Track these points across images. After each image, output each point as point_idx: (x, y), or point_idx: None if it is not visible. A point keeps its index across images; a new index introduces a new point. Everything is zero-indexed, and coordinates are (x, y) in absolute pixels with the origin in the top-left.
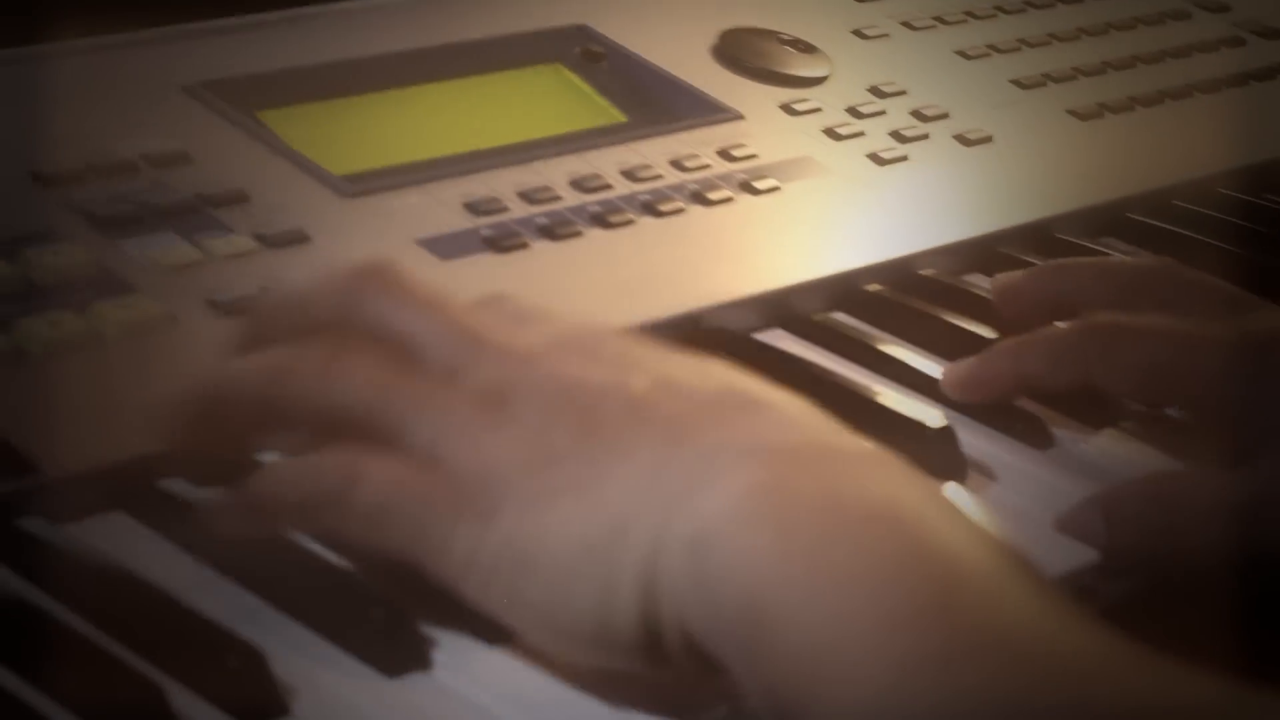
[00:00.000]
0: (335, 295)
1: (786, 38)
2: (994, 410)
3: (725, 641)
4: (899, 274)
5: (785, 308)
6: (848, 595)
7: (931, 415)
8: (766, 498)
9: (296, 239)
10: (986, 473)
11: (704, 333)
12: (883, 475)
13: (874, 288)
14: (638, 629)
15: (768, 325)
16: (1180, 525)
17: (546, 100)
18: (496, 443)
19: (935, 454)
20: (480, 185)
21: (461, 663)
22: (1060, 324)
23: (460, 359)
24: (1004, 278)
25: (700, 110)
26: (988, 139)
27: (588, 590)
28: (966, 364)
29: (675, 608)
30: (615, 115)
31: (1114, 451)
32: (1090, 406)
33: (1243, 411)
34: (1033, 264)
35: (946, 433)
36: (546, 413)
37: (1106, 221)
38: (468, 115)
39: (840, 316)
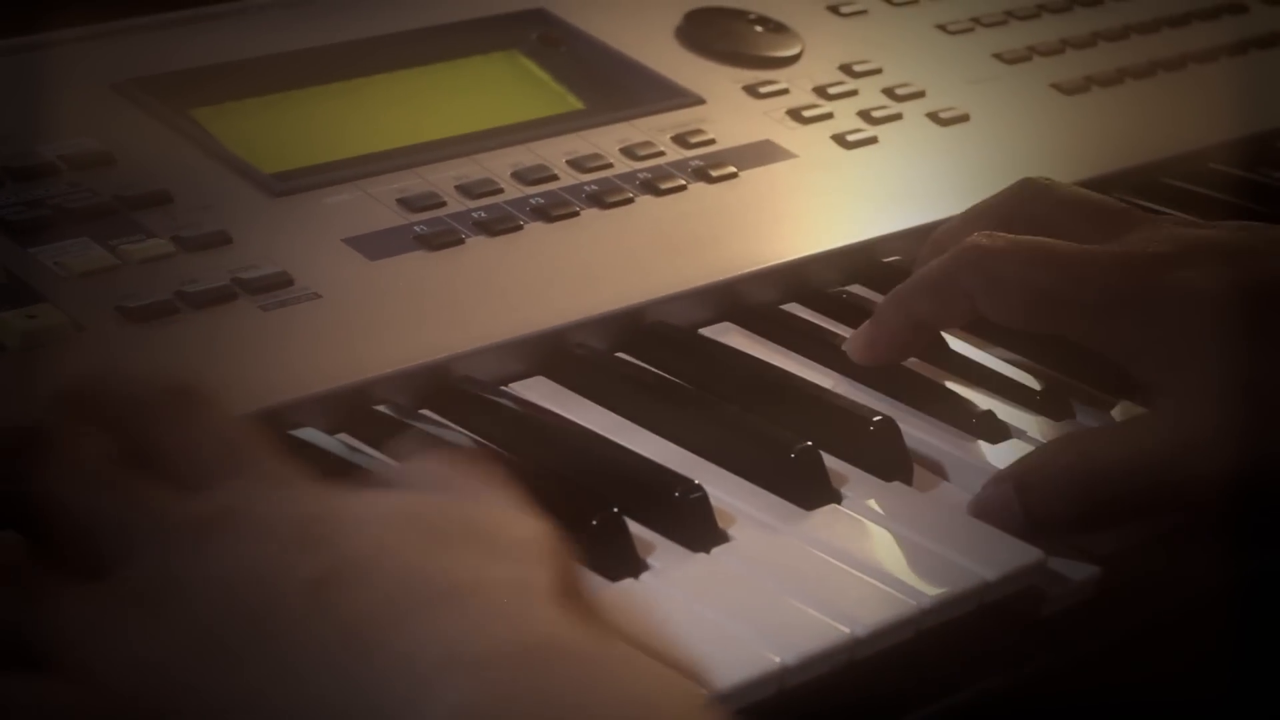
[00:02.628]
0: None
1: (754, 17)
2: (947, 404)
3: None
4: (858, 261)
5: (734, 300)
6: None
7: (873, 410)
8: None
9: (217, 241)
10: (934, 468)
11: (647, 328)
12: (611, 681)
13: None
14: None
15: (716, 318)
16: (1098, 487)
17: (499, 88)
18: (154, 644)
19: (878, 449)
20: (418, 180)
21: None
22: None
23: (114, 547)
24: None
25: (659, 95)
26: (964, 117)
27: None
28: (862, 329)
29: None
30: (572, 102)
31: None
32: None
33: (1129, 347)
34: None
35: (889, 427)
36: (215, 603)
37: None
38: (415, 107)
39: (793, 308)
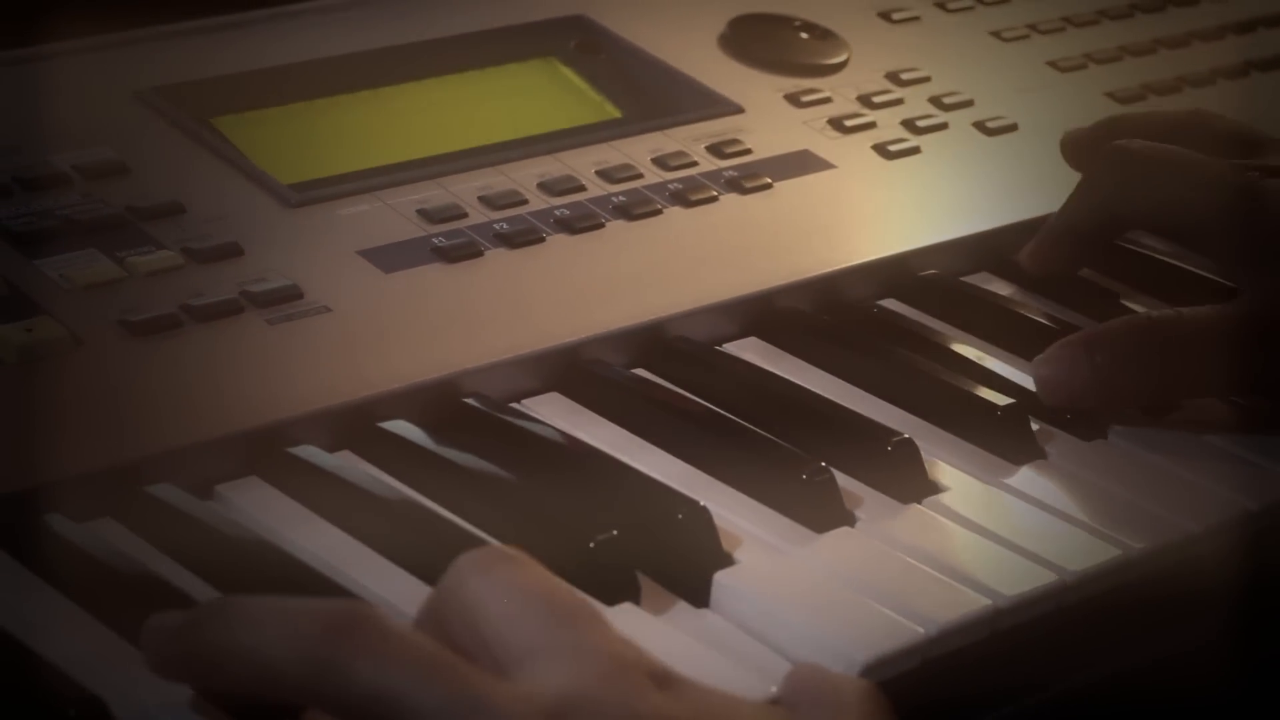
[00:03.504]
0: (303, 664)
1: (800, 23)
2: (974, 425)
3: None
4: (893, 274)
5: (759, 314)
6: None
7: (892, 430)
8: None
9: (228, 253)
10: (956, 491)
11: (666, 344)
12: None
13: (860, 293)
14: None
15: (742, 333)
16: (1171, 357)
17: (534, 97)
18: None
19: (896, 470)
20: (440, 191)
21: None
22: None
23: None
24: (1070, 133)
25: (698, 104)
26: (1012, 127)
27: None
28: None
29: None
30: (609, 111)
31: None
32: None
33: (1243, 246)
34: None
35: (908, 447)
36: None
37: None
38: (444, 116)
39: (824, 322)
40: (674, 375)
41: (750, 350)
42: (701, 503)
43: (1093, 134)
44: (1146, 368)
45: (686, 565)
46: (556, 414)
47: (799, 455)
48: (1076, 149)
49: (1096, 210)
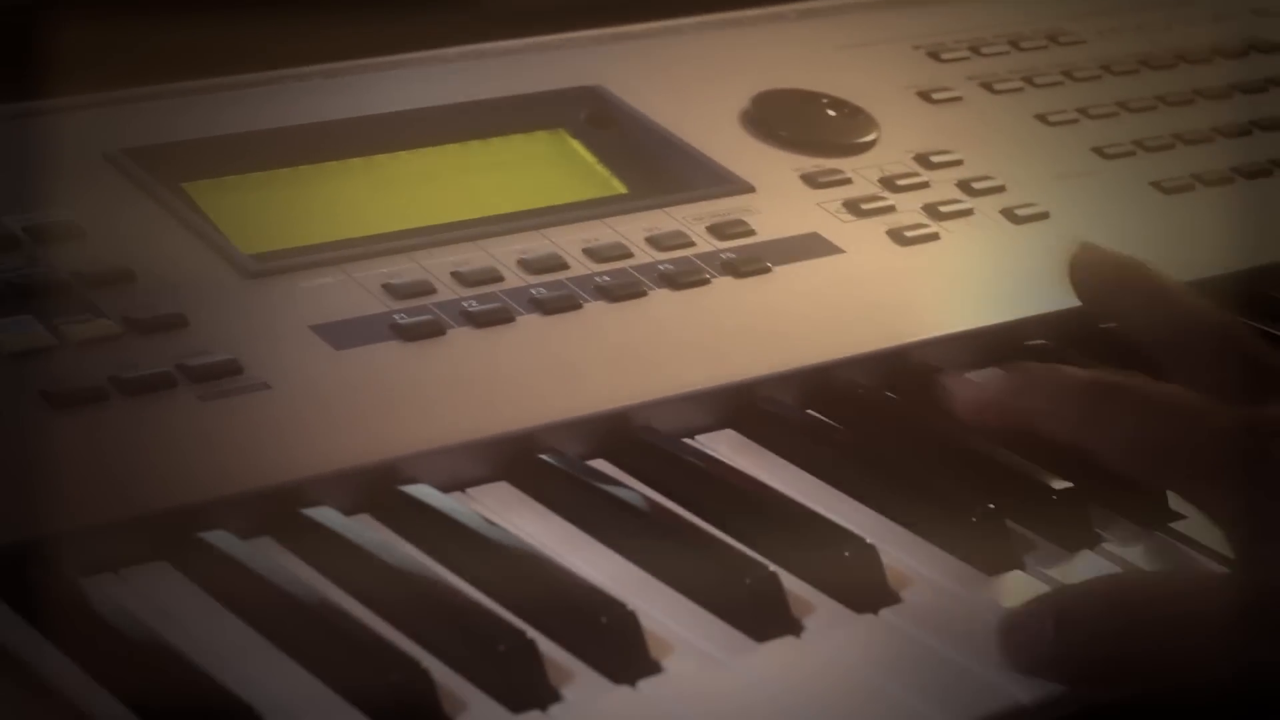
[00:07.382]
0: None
1: (828, 100)
2: (952, 531)
3: None
4: (884, 367)
5: (736, 406)
6: None
7: (852, 534)
8: None
9: (171, 324)
10: (919, 602)
11: (631, 434)
12: None
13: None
14: None
15: (718, 425)
16: (1140, 631)
17: (535, 169)
18: None
19: (853, 577)
20: (412, 266)
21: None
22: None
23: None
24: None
25: (707, 181)
26: (1043, 215)
27: None
28: (974, 385)
29: None
30: (615, 186)
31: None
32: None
33: (1237, 507)
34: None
35: (867, 554)
36: None
37: None
38: (435, 187)
39: (811, 415)
40: (634, 467)
41: (724, 443)
42: (629, 606)
43: (1105, 273)
44: (1106, 637)
45: (610, 671)
46: (501, 505)
47: (743, 557)
48: (1086, 279)
49: (1064, 434)
